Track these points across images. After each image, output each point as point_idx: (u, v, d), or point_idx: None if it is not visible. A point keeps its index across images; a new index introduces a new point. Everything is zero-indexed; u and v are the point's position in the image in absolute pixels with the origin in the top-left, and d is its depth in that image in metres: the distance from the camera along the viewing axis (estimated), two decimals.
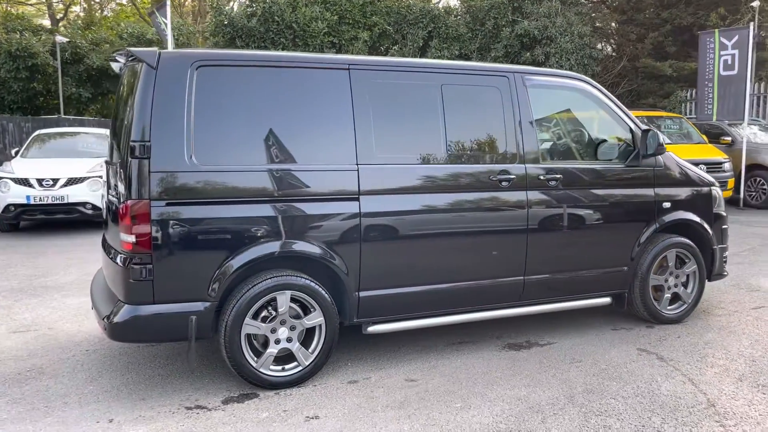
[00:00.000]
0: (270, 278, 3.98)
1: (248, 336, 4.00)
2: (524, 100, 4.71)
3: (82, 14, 25.40)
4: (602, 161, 5.02)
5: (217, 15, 17.58)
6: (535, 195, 4.67)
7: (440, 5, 19.48)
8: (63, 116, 16.08)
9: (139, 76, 3.86)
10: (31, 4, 28.15)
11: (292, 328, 4.10)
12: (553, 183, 4.73)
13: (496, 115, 4.64)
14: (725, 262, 5.67)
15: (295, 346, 4.11)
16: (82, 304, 6.06)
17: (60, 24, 24.19)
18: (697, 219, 5.33)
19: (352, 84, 4.23)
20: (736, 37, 13.60)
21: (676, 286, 5.35)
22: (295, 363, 4.12)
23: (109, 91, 18.28)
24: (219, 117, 3.91)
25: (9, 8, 24.45)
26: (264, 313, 4.03)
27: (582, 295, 5.04)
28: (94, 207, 10.25)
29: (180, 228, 3.78)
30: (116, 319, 3.78)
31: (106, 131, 12.46)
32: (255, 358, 4.01)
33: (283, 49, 17.17)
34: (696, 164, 6.47)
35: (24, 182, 10.05)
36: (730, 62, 13.71)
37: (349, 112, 4.19)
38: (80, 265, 7.82)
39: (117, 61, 4.70)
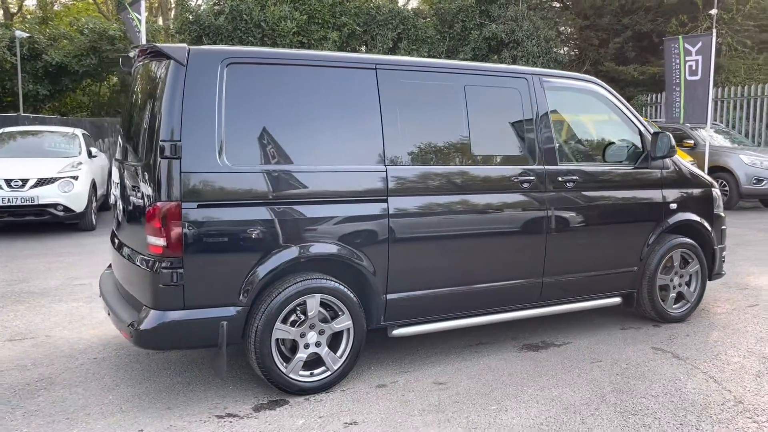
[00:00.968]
0: (300, 281, 3.89)
1: (277, 341, 3.89)
2: (542, 101, 4.73)
3: (34, 8, 24.43)
4: (612, 163, 5.09)
5: (183, 12, 17.18)
6: (553, 196, 4.70)
7: (409, 7, 19.51)
8: (23, 114, 15.43)
9: (164, 73, 3.72)
10: None
11: (321, 332, 4.02)
12: (569, 184, 4.77)
13: (515, 116, 4.65)
14: (723, 261, 5.83)
15: (324, 351, 4.02)
16: (74, 310, 5.82)
17: (14, 18, 23.24)
18: (699, 220, 5.46)
19: (379, 84, 4.17)
20: (700, 44, 14.04)
21: (680, 285, 5.47)
22: (323, 368, 4.03)
23: (67, 88, 17.64)
24: (249, 116, 3.79)
25: None
26: (293, 318, 3.93)
27: (595, 296, 5.09)
28: (66, 209, 9.89)
29: (212, 230, 3.66)
30: (144, 326, 3.62)
31: (74, 130, 12.03)
32: (284, 364, 3.91)
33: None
34: None
35: None
36: (694, 68, 14.14)
37: (376, 112, 4.13)
38: (62, 270, 7.51)
39: (128, 57, 4.54)
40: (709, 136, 14.14)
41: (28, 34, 16.86)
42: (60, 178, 9.94)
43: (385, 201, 4.11)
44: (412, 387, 4.11)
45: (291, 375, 3.92)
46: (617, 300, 5.22)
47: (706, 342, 4.98)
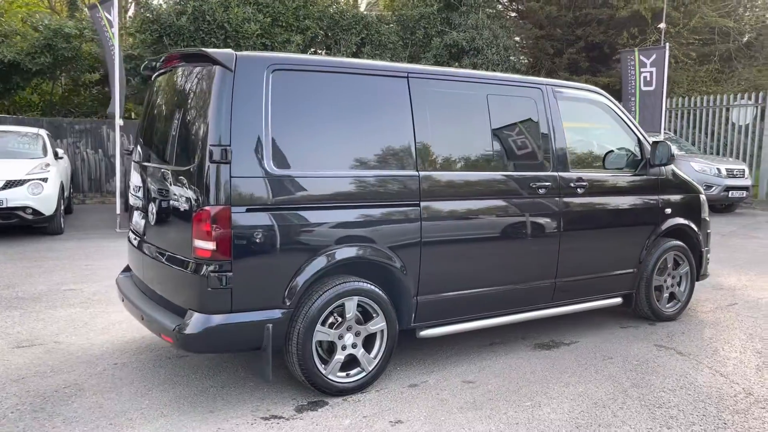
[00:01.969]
0: (339, 284, 3.96)
1: (317, 343, 3.95)
2: (555, 110, 4.95)
3: None
4: (614, 170, 5.36)
5: (143, 11, 16.81)
6: (565, 201, 4.92)
7: (373, 14, 19.66)
8: None
9: (208, 78, 3.74)
10: None
11: (357, 334, 4.10)
12: (580, 190, 5.01)
13: (532, 124, 4.85)
14: (708, 263, 6.19)
15: (360, 352, 4.10)
16: (74, 316, 5.69)
17: None
18: (690, 224, 5.80)
19: (411, 91, 4.29)
20: (654, 56, 14.74)
21: (672, 286, 5.80)
22: (358, 368, 4.11)
23: (18, 86, 16.94)
24: (292, 122, 3.84)
25: None
26: (330, 320, 4.00)
27: (599, 296, 5.35)
28: (35, 212, 9.55)
29: (259, 234, 3.69)
30: (191, 330, 3.61)
31: (38, 130, 11.62)
32: (323, 365, 3.97)
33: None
34: None
35: None
36: (648, 79, 14.83)
37: (408, 119, 4.25)
38: (44, 275, 7.29)
39: (154, 61, 4.51)
40: None
41: None
42: (29, 180, 9.60)
43: (418, 205, 4.23)
44: (443, 386, 4.24)
45: (330, 376, 3.98)
46: (619, 300, 5.49)
47: (702, 339, 5.30)
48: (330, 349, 4.05)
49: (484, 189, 4.53)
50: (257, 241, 3.68)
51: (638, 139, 5.50)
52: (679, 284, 5.86)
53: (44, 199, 9.66)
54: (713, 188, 14.19)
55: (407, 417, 3.77)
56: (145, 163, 4.45)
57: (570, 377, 4.43)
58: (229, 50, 3.74)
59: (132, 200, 4.82)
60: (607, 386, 4.27)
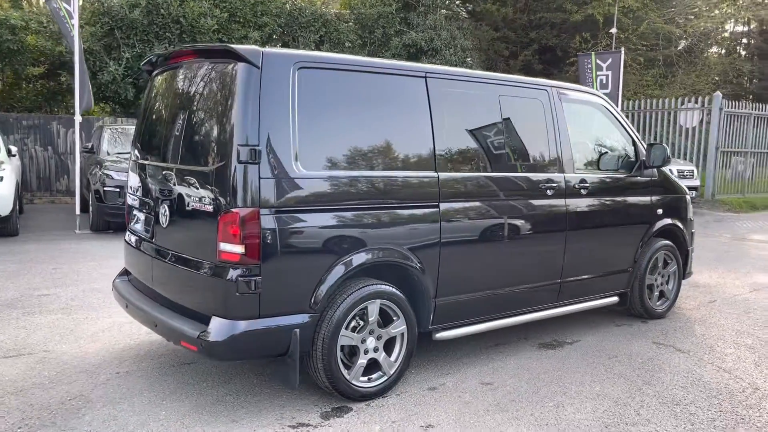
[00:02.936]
0: (363, 287, 3.88)
1: (341, 348, 3.86)
2: (560, 113, 5.00)
3: None
4: (611, 171, 5.45)
5: (93, 2, 16.15)
6: (570, 202, 4.98)
7: (332, 11, 19.48)
8: None
9: (231, 75, 3.59)
10: None
11: (379, 338, 4.02)
12: (583, 191, 5.07)
13: (540, 126, 4.88)
14: (692, 261, 6.39)
15: (381, 356, 4.03)
16: (57, 323, 5.40)
17: None
18: (678, 224, 5.97)
19: (429, 92, 4.24)
20: (610, 60, 15.18)
21: (661, 284, 5.95)
22: (379, 373, 4.04)
23: None
24: (317, 121, 3.73)
25: None
26: (353, 324, 3.91)
27: (598, 296, 5.43)
28: None
29: (288, 237, 3.57)
30: (217, 337, 3.46)
31: None
32: (347, 370, 3.88)
33: (169, 44, 16.22)
34: None
35: None
36: (605, 81, 15.26)
37: (427, 120, 4.20)
38: (9, 279, 6.89)
39: (155, 56, 4.33)
40: None
41: None
42: None
43: (437, 206, 4.19)
44: (462, 388, 4.21)
45: (353, 381, 3.90)
46: (615, 299, 5.59)
47: (695, 335, 5.46)
48: (351, 353, 3.97)
49: (499, 190, 4.53)
50: (285, 243, 3.56)
51: (633, 141, 5.62)
52: (667, 282, 6.02)
53: (0, 199, 9.15)
54: None
55: (436, 421, 3.72)
56: (151, 163, 4.24)
57: (582, 376, 4.47)
58: (254, 47, 3.60)
59: (131, 201, 4.60)
60: (621, 385, 4.33)
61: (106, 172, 9.96)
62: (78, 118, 10.62)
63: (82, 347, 4.82)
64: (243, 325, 3.50)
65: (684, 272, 6.18)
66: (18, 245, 8.99)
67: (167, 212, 3.97)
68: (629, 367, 4.68)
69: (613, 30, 18.59)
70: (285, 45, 17.95)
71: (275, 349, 3.65)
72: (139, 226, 4.38)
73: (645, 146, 5.65)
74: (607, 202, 5.29)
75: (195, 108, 3.92)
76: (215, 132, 3.66)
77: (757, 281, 7.72)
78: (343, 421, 3.70)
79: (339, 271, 3.75)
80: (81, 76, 10.49)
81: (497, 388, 4.24)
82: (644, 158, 5.59)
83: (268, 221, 3.50)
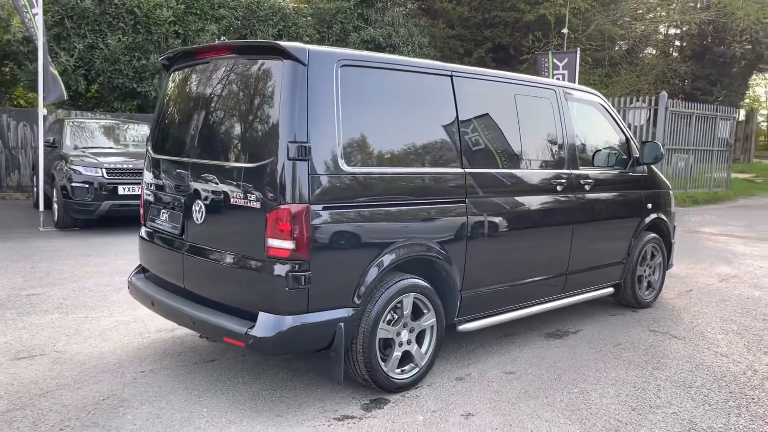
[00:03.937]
0: (399, 281, 3.96)
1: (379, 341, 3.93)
2: (567, 111, 5.20)
3: None
4: (608, 167, 5.69)
5: None
6: (576, 197, 5.19)
7: (290, 5, 19.33)
8: None
9: (276, 72, 3.60)
10: None
11: (411, 330, 4.11)
12: (587, 187, 5.29)
13: (550, 124, 5.06)
14: (673, 254, 6.74)
15: (414, 348, 4.12)
16: (58, 322, 5.26)
17: None
18: (663, 217, 6.29)
19: (455, 90, 4.35)
20: (566, 60, 15.68)
21: (649, 275, 6.26)
22: (411, 365, 4.13)
23: None
24: (357, 118, 3.79)
25: None
26: (388, 317, 3.99)
27: (597, 287, 5.68)
28: None
29: (334, 232, 3.62)
30: (266, 333, 3.47)
31: None
32: (383, 363, 3.95)
33: (123, 35, 15.75)
34: None
35: None
36: (561, 80, 15.73)
37: (454, 117, 4.31)
38: None
39: (176, 52, 4.28)
40: None
41: None
42: None
43: (464, 201, 4.30)
44: (488, 378, 4.35)
45: (390, 373, 3.98)
46: (611, 290, 5.86)
47: (684, 323, 5.78)
48: (384, 346, 4.04)
49: (518, 185, 4.69)
50: (332, 239, 3.62)
51: (626, 138, 5.89)
52: (654, 273, 6.33)
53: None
54: None
55: (476, 409, 3.84)
56: (179, 159, 4.17)
57: (596, 363, 4.69)
58: (299, 44, 3.63)
59: (149, 198, 4.52)
60: (634, 370, 4.57)
61: (73, 167, 9.64)
62: (42, 111, 10.21)
63: (94, 347, 4.71)
64: (290, 321, 3.52)
65: (667, 263, 6.51)
66: None
67: (202, 209, 3.94)
68: (635, 353, 4.93)
69: (565, 30, 19.17)
70: (243, 38, 17.71)
71: (319, 343, 3.69)
72: (164, 223, 4.32)
73: (637, 144, 5.93)
74: (607, 197, 5.54)
75: (233, 105, 3.90)
76: (260, 129, 3.66)
77: (721, 272, 8.19)
78: (385, 412, 3.78)
79: (380, 265, 3.82)
80: (45, 66, 10.08)
81: (520, 376, 4.40)
82: (637, 155, 5.87)
83: (316, 217, 3.53)
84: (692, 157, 19.43)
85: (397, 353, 4.03)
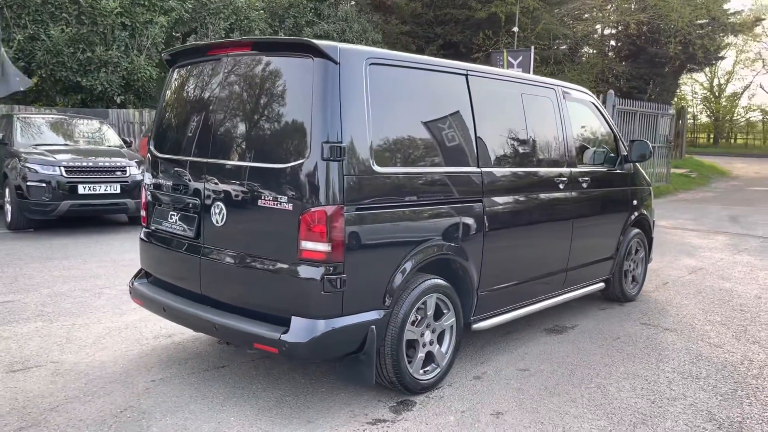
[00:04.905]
0: (423, 282, 3.92)
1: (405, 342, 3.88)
2: (566, 110, 5.28)
3: None
4: (599, 165, 5.81)
5: None
6: (575, 194, 5.27)
7: None
8: None
9: (306, 71, 3.48)
10: None
11: (433, 331, 4.09)
12: (585, 185, 5.39)
13: (552, 123, 5.13)
14: (653, 248, 6.95)
15: (435, 348, 4.10)
16: (44, 330, 4.98)
17: None
18: (645, 213, 6.48)
19: (471, 90, 4.33)
20: (521, 57, 15.96)
21: (633, 269, 6.44)
22: (433, 365, 4.10)
23: None
24: (386, 118, 3.72)
25: None
26: (412, 318, 3.95)
27: (590, 282, 5.80)
28: None
29: (368, 234, 3.55)
30: (301, 338, 3.37)
31: None
32: (409, 364, 3.91)
33: (66, 26, 15.06)
34: None
35: None
36: None
37: (470, 116, 4.30)
38: None
39: (185, 47, 4.09)
40: None
41: None
42: None
43: (481, 201, 4.30)
44: (504, 376, 4.37)
45: (415, 374, 3.94)
46: (602, 285, 5.99)
47: (671, 315, 5.97)
48: (407, 347, 3.99)
49: (528, 184, 4.73)
50: (366, 240, 3.55)
51: (615, 137, 6.03)
52: (637, 267, 6.52)
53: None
54: None
55: (504, 408, 3.85)
56: (193, 159, 3.99)
57: (602, 358, 4.78)
58: (330, 42, 3.52)
59: (152, 199, 4.32)
60: (640, 364, 4.68)
61: (28, 165, 9.14)
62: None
63: (92, 356, 4.48)
64: (325, 325, 3.43)
65: (648, 258, 6.71)
66: None
67: (223, 211, 3.78)
68: (636, 347, 5.05)
69: (515, 29, 19.51)
70: (193, 32, 17.24)
71: (350, 346, 3.61)
72: (173, 225, 4.12)
73: (625, 142, 6.08)
74: (600, 194, 5.66)
75: (254, 104, 3.76)
76: (289, 129, 3.54)
77: (688, 264, 8.50)
78: (414, 414, 3.74)
79: (408, 266, 3.78)
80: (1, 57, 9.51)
81: (534, 373, 4.43)
82: (625, 153, 6.02)
83: (349, 218, 3.45)
84: None
85: (421, 354, 3.99)
